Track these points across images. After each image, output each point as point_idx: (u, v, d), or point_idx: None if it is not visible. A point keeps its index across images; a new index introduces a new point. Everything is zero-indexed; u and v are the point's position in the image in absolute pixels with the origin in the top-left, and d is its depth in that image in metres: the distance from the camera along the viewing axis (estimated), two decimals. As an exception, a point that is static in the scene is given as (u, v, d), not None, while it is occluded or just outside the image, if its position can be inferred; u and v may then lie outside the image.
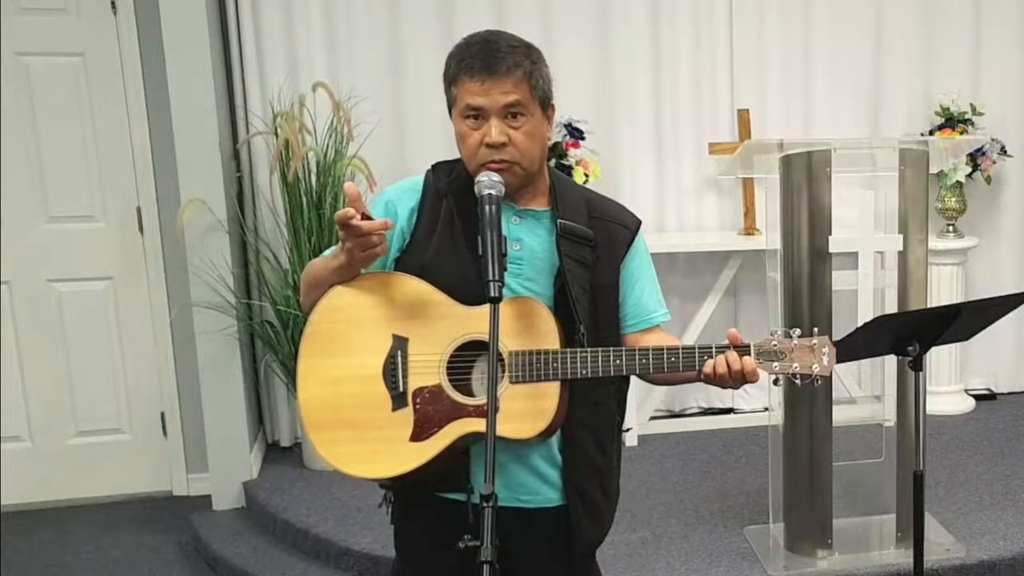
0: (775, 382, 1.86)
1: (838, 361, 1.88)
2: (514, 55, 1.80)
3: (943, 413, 4.65)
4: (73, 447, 4.18)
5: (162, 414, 4.23)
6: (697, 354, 1.80)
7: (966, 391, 4.87)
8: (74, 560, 3.74)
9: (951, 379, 4.74)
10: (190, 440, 4.22)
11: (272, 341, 4.10)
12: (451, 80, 1.83)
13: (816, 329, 1.88)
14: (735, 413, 4.77)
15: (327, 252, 1.89)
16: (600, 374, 1.79)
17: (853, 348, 2.32)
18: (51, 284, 4.08)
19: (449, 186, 1.89)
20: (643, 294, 1.97)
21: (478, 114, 1.80)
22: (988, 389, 5.01)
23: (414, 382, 1.82)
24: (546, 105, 1.87)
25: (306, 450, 4.16)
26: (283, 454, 4.32)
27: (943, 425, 4.55)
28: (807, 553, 3.31)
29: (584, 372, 1.78)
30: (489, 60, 1.78)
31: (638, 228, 1.99)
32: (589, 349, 1.79)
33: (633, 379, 1.99)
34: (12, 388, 4.08)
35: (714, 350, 1.80)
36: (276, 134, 3.97)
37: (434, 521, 1.92)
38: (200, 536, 3.77)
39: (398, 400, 1.82)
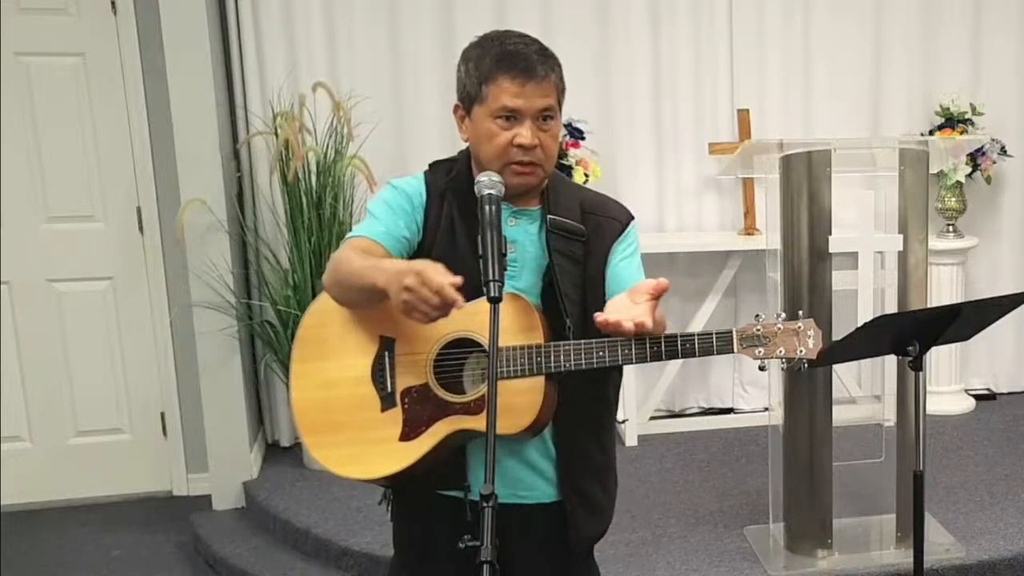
0: (760, 368, 1.85)
1: (839, 361, 1.87)
2: (547, 60, 1.83)
3: (943, 413, 4.65)
4: (73, 447, 4.18)
5: (162, 414, 4.23)
6: (679, 343, 1.78)
7: (966, 391, 4.87)
8: (74, 560, 3.74)
9: (951, 379, 4.74)
10: (190, 440, 4.21)
11: (272, 341, 4.10)
12: (484, 78, 1.82)
13: (801, 312, 1.87)
14: (735, 413, 4.77)
15: (359, 260, 1.79)
16: (584, 367, 1.78)
17: (853, 348, 2.32)
18: (51, 284, 4.08)
19: (448, 185, 1.89)
20: (620, 270, 1.92)
21: (511, 115, 1.81)
22: (988, 389, 5.01)
23: (402, 382, 1.83)
24: (561, 110, 1.90)
25: (306, 450, 4.15)
26: (283, 454, 4.32)
27: (943, 425, 4.54)
28: (807, 553, 3.31)
29: (568, 365, 1.78)
30: (529, 62, 1.80)
31: (629, 222, 1.97)
32: (572, 342, 1.79)
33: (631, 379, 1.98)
34: (12, 388, 4.08)
35: (696, 338, 1.78)
36: (276, 134, 3.97)
37: (432, 519, 1.93)
38: (200, 536, 3.77)
39: (387, 400, 1.83)
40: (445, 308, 1.66)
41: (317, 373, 1.86)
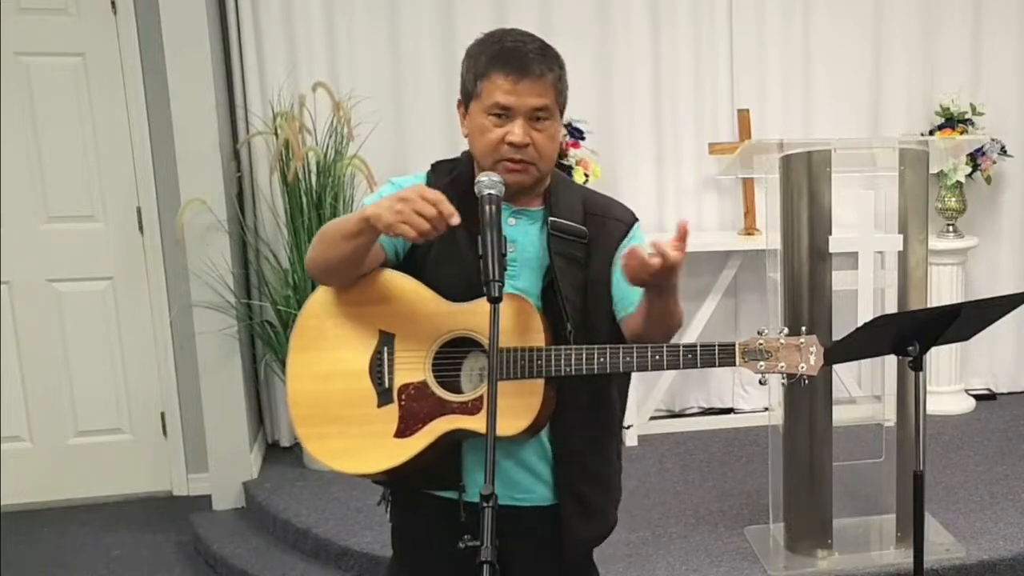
0: (761, 382, 1.85)
1: (839, 361, 1.88)
2: (546, 60, 1.82)
3: (943, 413, 4.65)
4: (73, 447, 4.18)
5: (162, 414, 4.23)
6: (682, 352, 1.78)
7: (966, 391, 4.87)
8: (74, 560, 3.74)
9: (951, 379, 4.74)
10: (190, 440, 4.22)
11: (272, 341, 4.10)
12: (479, 74, 1.82)
13: (804, 328, 1.87)
14: (735, 413, 4.77)
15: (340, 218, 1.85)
16: (584, 372, 1.78)
17: (853, 348, 2.32)
18: (51, 284, 4.08)
19: (450, 185, 1.89)
20: (623, 280, 1.89)
21: (504, 112, 1.80)
22: (988, 389, 5.01)
23: (400, 378, 1.83)
24: (563, 111, 1.89)
25: (304, 447, 4.14)
26: (283, 454, 4.32)
27: (943, 425, 4.55)
28: (807, 553, 3.31)
29: (568, 370, 1.78)
30: (524, 60, 1.79)
31: (634, 223, 1.98)
32: (573, 347, 1.78)
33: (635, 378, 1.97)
34: (12, 388, 4.08)
35: (699, 349, 1.78)
36: (276, 134, 3.97)
37: (429, 519, 1.93)
38: (200, 536, 3.77)
39: (384, 396, 1.83)
40: (440, 221, 1.66)
41: (314, 364, 1.87)
